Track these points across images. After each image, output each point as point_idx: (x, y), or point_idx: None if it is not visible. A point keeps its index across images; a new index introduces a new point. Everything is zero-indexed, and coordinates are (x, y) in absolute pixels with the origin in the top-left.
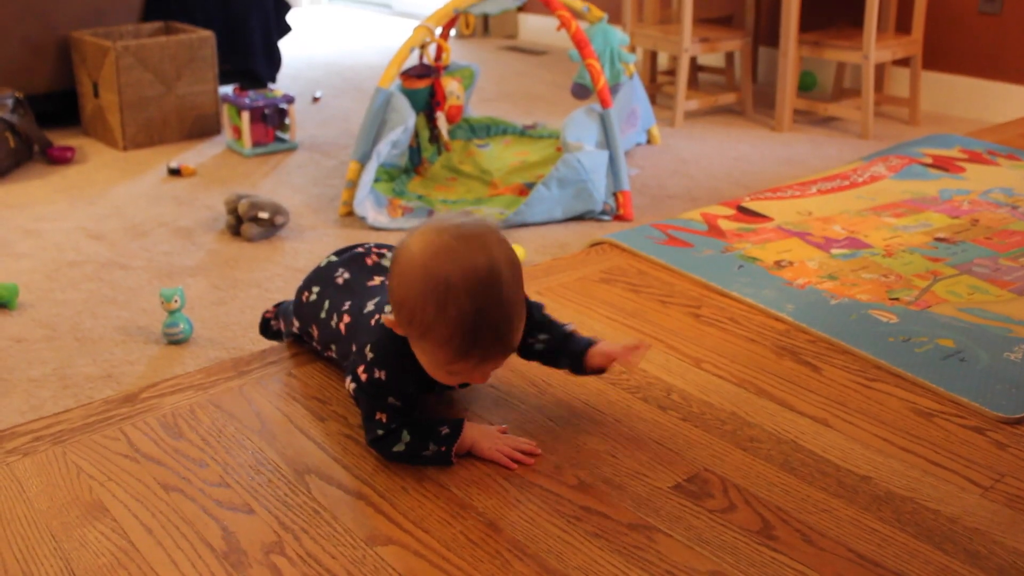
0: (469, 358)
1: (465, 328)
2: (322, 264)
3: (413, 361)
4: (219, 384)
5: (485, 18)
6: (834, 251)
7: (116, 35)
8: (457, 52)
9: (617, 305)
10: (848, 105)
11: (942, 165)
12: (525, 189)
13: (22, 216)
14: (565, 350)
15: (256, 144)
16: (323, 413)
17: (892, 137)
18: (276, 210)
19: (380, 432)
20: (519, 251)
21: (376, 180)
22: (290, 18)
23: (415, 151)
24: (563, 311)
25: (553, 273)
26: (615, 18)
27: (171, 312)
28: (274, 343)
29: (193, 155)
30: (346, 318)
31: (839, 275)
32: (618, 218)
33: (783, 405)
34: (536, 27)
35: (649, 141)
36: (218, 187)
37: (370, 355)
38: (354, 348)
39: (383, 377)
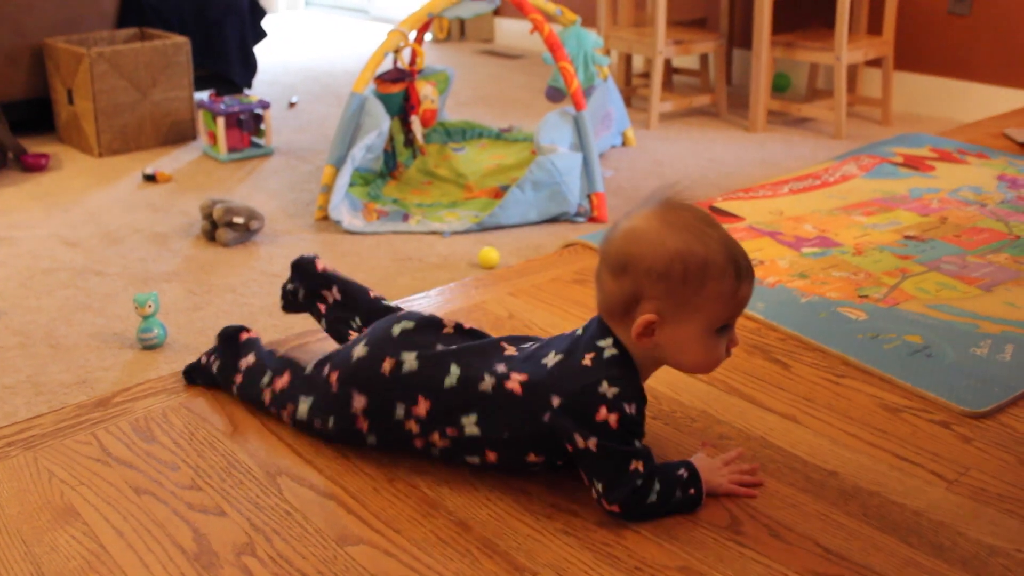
0: (745, 279)
1: (732, 248)
2: (395, 332)
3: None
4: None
5: (461, 22)
6: (804, 250)
7: (90, 42)
8: (433, 56)
9: (590, 306)
10: (821, 106)
11: (913, 164)
12: (500, 192)
13: None
14: None
15: (232, 150)
16: None
17: (864, 137)
18: (251, 215)
19: (639, 483)
20: (493, 254)
21: (351, 184)
22: (266, 23)
23: (390, 155)
24: (536, 312)
25: (526, 274)
26: (589, 21)
27: (145, 317)
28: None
29: (169, 161)
30: (520, 376)
31: (809, 273)
32: (592, 220)
33: (752, 402)
34: (512, 31)
35: (624, 143)
36: (194, 193)
37: (611, 391)
38: (557, 403)
39: (633, 412)
